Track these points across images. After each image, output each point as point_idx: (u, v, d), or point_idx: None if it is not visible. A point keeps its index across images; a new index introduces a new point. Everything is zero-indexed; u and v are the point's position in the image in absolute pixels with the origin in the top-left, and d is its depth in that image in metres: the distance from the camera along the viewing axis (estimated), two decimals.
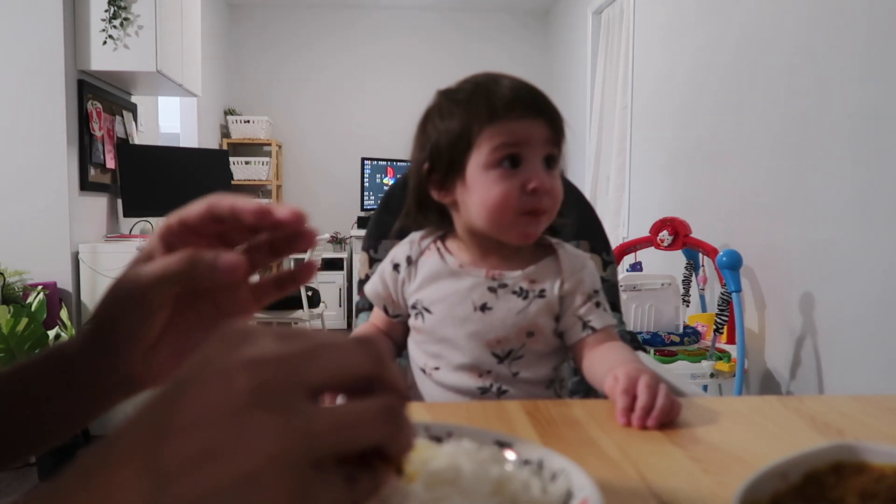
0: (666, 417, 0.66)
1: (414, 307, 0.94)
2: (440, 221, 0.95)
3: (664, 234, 2.60)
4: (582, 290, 0.91)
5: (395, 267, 0.97)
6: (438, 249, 0.95)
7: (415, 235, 0.98)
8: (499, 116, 0.84)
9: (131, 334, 0.44)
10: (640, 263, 2.94)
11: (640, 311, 2.49)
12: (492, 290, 0.90)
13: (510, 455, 0.46)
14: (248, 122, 5.30)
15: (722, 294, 2.38)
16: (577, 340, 0.90)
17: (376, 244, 1.19)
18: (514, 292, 0.90)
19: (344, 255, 5.24)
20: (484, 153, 0.85)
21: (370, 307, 1.04)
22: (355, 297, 1.33)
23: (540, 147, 0.85)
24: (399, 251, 0.98)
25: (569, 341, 0.92)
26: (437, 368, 0.92)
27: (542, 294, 0.90)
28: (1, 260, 2.66)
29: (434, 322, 0.92)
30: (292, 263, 5.21)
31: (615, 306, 1.22)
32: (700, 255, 2.69)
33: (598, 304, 0.91)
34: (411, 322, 0.96)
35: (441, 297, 0.91)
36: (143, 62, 2.90)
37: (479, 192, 0.86)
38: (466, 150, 0.86)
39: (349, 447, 0.29)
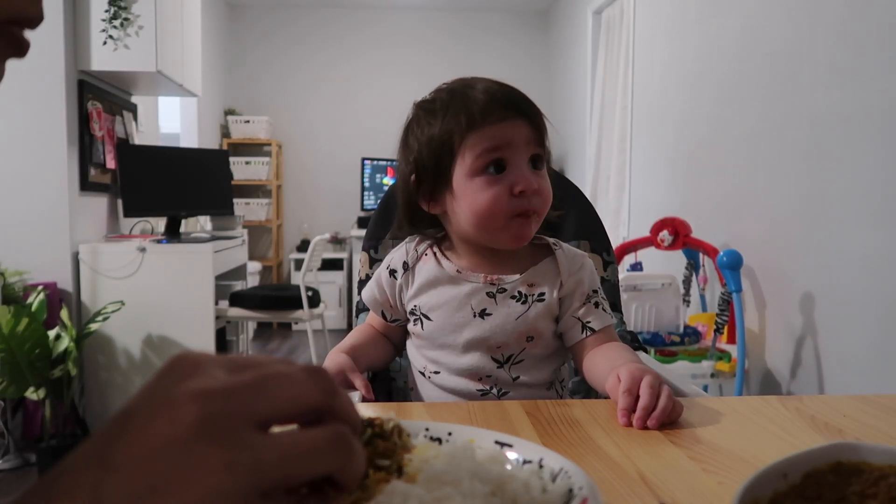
0: (667, 419, 0.66)
1: (413, 313, 0.94)
2: (433, 231, 0.95)
3: (664, 234, 2.60)
4: (581, 290, 0.90)
5: (392, 273, 0.96)
6: (436, 255, 0.94)
7: (411, 241, 0.97)
8: (476, 123, 0.83)
9: None
10: (640, 263, 2.93)
11: (641, 311, 2.49)
12: (490, 295, 0.89)
13: (510, 455, 0.46)
14: (248, 122, 5.30)
15: (722, 294, 2.38)
16: (576, 342, 0.90)
17: (376, 244, 1.19)
18: (513, 297, 0.89)
19: (344, 255, 5.24)
20: (468, 161, 0.84)
21: None
22: (355, 297, 1.33)
23: (523, 148, 0.84)
24: (395, 256, 0.97)
25: (568, 343, 0.91)
26: (436, 372, 0.92)
27: (541, 298, 0.89)
28: (1, 260, 2.66)
29: (433, 328, 0.91)
30: (292, 265, 5.22)
31: (615, 306, 1.22)
32: (700, 255, 2.69)
33: (597, 305, 0.90)
34: (410, 327, 0.95)
35: (440, 303, 0.91)
36: (143, 62, 2.90)
37: (466, 200, 0.85)
38: (451, 161, 0.86)
39: (298, 478, 0.29)
